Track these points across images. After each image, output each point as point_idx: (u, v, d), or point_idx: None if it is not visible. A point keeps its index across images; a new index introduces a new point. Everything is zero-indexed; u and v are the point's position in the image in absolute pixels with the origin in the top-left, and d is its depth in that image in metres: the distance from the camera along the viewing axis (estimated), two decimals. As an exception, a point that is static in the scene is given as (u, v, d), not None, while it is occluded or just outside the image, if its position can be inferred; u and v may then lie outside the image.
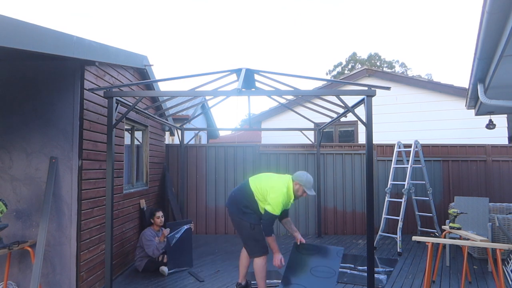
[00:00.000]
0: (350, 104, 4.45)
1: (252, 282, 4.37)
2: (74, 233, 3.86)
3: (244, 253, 4.17)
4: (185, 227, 5.43)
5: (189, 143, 8.37)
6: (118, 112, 4.32)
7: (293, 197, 3.83)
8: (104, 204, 4.33)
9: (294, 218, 7.64)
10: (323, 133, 7.73)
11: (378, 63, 32.49)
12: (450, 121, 9.07)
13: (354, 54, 33.93)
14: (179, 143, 7.69)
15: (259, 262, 3.88)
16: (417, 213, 6.94)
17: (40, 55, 3.05)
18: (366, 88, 4.02)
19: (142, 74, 5.97)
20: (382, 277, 4.78)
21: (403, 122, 9.45)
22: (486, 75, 3.71)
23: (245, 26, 64.42)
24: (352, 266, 5.29)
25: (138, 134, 6.19)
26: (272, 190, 3.79)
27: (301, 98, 7.09)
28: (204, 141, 15.69)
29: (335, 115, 6.36)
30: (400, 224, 6.13)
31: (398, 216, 6.25)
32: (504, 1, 2.28)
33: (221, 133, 19.62)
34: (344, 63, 34.12)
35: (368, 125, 3.99)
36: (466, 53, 47.65)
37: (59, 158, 3.86)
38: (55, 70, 3.91)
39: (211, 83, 5.20)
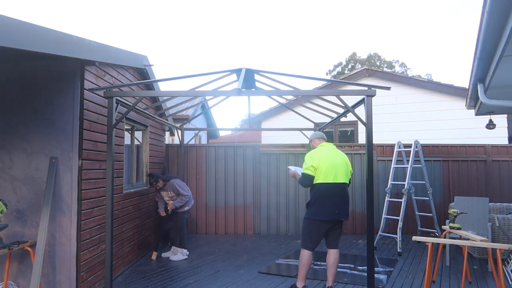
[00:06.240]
0: (350, 104, 4.44)
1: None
2: (74, 233, 3.85)
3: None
4: None
5: (189, 143, 8.37)
6: (118, 112, 4.32)
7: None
8: (104, 204, 4.33)
9: (294, 218, 7.65)
10: (323, 133, 7.72)
11: (378, 63, 32.46)
12: (450, 121, 9.07)
13: (354, 54, 33.91)
14: (179, 143, 7.69)
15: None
16: (417, 213, 6.94)
17: (40, 55, 3.05)
18: (366, 88, 4.02)
19: (142, 74, 5.97)
20: (382, 277, 4.78)
21: (403, 122, 9.45)
22: (486, 75, 3.71)
23: (245, 26, 64.45)
24: (352, 266, 5.30)
25: (138, 134, 6.19)
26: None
27: (301, 98, 7.08)
28: (204, 141, 15.69)
29: (335, 115, 6.36)
30: (400, 224, 6.13)
31: (398, 216, 6.25)
32: (504, 1, 2.28)
33: (221, 133, 19.62)
34: (344, 63, 34.10)
35: (368, 125, 3.99)
36: (466, 53, 47.67)
37: (59, 158, 3.86)
38: (55, 70, 3.91)
39: (211, 83, 5.19)
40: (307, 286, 4.17)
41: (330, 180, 4.00)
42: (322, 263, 5.41)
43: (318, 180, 4.03)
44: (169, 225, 6.05)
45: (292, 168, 4.51)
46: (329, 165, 4.03)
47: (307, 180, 4.08)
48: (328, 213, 4.00)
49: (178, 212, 5.84)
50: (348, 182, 4.18)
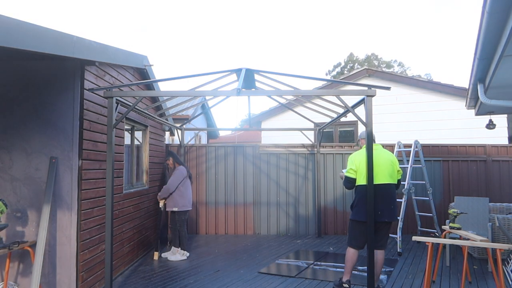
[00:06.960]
0: (350, 104, 4.44)
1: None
2: (74, 233, 3.86)
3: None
4: None
5: (189, 143, 8.37)
6: (118, 112, 4.32)
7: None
8: (104, 204, 4.33)
9: (294, 218, 7.65)
10: (323, 133, 7.73)
11: (376, 63, 32.45)
12: (450, 121, 9.07)
13: (352, 54, 33.93)
14: (179, 143, 7.69)
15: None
16: (417, 213, 6.94)
17: (40, 55, 3.05)
18: (366, 88, 4.02)
19: (142, 74, 5.97)
20: (382, 277, 4.78)
21: (403, 122, 9.45)
22: (486, 75, 3.71)
23: (245, 26, 64.46)
24: (352, 266, 5.29)
25: (138, 134, 6.19)
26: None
27: (301, 98, 7.09)
28: (204, 141, 15.69)
29: (335, 115, 6.36)
30: (400, 224, 6.13)
31: (398, 216, 6.24)
32: (504, 1, 2.28)
33: (221, 133, 19.62)
34: (343, 63, 34.12)
35: (368, 125, 3.99)
36: (466, 53, 47.65)
37: (59, 158, 3.86)
38: (55, 70, 3.91)
39: (211, 83, 5.20)
40: (350, 280, 4.22)
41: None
42: (322, 263, 5.41)
43: (359, 182, 4.10)
44: (163, 224, 6.09)
45: (344, 171, 4.43)
46: None
47: (348, 182, 4.19)
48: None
49: (175, 213, 5.83)
50: (395, 183, 4.15)
